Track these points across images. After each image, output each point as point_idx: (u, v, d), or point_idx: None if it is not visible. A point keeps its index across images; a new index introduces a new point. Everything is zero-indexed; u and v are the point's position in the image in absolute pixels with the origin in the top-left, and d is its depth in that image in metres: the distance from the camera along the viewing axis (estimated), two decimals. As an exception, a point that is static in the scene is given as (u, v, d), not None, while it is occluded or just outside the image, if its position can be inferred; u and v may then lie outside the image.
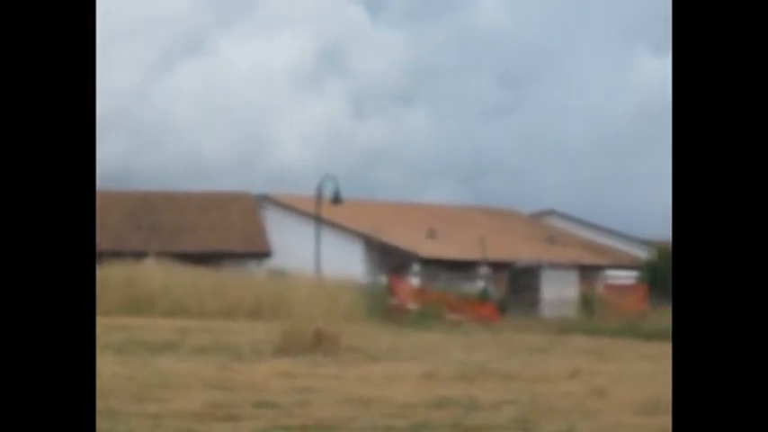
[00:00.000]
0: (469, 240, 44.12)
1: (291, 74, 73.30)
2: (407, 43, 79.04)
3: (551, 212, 55.11)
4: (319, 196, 39.31)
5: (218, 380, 13.38)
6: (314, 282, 32.12)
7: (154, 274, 30.96)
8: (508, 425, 10.13)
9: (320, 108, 72.50)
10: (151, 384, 12.38)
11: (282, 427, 9.62)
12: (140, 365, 14.46)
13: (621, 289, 38.19)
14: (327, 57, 78.27)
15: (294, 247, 40.67)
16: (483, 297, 37.41)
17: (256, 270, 38.75)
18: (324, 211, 39.40)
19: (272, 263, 40.83)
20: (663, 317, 28.92)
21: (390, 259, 42.37)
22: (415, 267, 42.42)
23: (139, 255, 33.79)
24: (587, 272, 42.64)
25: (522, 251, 43.72)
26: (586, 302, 36.52)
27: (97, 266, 20.35)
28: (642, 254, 46.92)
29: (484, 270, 42.04)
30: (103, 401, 9.10)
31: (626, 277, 41.20)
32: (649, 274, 41.73)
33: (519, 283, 39.93)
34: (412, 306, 33.01)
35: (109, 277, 28.14)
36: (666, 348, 20.66)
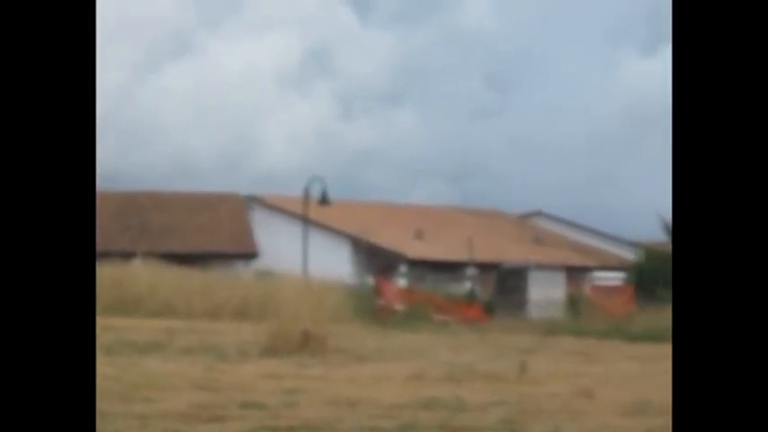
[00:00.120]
0: (457, 241, 44.11)
1: (279, 75, 73.36)
2: (396, 44, 79.11)
3: (539, 213, 55.12)
4: (307, 197, 39.28)
5: (205, 380, 13.36)
6: (301, 282, 32.04)
7: (141, 274, 30.88)
8: (495, 426, 10.15)
9: (308, 109, 72.55)
10: (138, 385, 12.36)
11: (269, 427, 9.61)
12: (127, 366, 14.42)
13: (608, 290, 38.19)
14: (315, 58, 78.24)
15: (281, 247, 40.64)
16: (470, 298, 37.40)
17: (243, 271, 38.69)
18: (311, 211, 39.37)
19: (259, 263, 40.74)
20: (650, 318, 29.02)
21: (378, 260, 42.34)
22: (403, 268, 42.38)
23: (127, 255, 33.69)
24: (574, 273, 42.72)
25: (510, 252, 43.76)
26: (573, 303, 36.59)
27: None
28: (629, 255, 46.99)
29: (471, 271, 42.02)
30: (90, 402, 9.08)
31: (613, 278, 41.20)
32: (636, 275, 41.78)
33: (506, 284, 40.03)
34: (399, 307, 32.95)
35: (97, 277, 28.00)
36: (653, 350, 20.84)
